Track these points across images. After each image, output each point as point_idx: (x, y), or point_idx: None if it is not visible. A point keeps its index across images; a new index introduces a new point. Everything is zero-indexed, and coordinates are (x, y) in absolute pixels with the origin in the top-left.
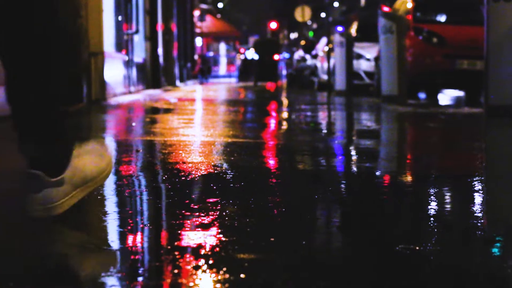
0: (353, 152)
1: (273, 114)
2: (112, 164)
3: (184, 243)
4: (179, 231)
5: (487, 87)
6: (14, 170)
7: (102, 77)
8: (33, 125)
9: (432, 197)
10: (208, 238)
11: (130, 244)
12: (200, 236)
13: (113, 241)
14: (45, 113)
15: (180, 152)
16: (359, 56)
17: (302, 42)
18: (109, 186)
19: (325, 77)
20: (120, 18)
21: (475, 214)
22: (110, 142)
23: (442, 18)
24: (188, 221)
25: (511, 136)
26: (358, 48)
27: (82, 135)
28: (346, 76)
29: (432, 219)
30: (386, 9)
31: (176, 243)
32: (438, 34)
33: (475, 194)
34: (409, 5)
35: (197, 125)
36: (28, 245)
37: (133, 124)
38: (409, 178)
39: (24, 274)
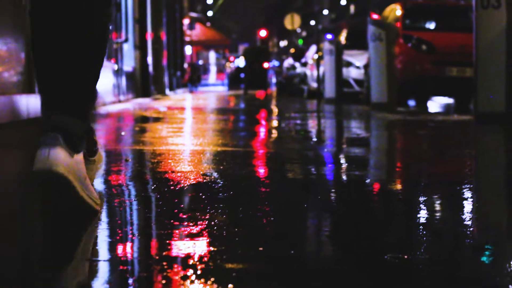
0: (342, 161)
1: (263, 122)
2: (103, 160)
3: (172, 253)
4: (167, 241)
5: (477, 94)
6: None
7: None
8: (76, 99)
9: (421, 205)
10: (197, 248)
11: (119, 254)
12: (188, 246)
13: (102, 250)
14: (91, 91)
15: (169, 161)
16: (349, 64)
17: (292, 50)
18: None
19: (314, 85)
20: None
21: (464, 222)
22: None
23: (431, 26)
24: (177, 231)
25: (500, 143)
26: (348, 55)
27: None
28: (335, 83)
29: (421, 227)
30: (375, 16)
31: (164, 253)
32: (427, 41)
33: (465, 201)
34: (398, 12)
35: (186, 134)
36: (16, 253)
37: (123, 133)
38: (398, 186)
39: (13, 279)
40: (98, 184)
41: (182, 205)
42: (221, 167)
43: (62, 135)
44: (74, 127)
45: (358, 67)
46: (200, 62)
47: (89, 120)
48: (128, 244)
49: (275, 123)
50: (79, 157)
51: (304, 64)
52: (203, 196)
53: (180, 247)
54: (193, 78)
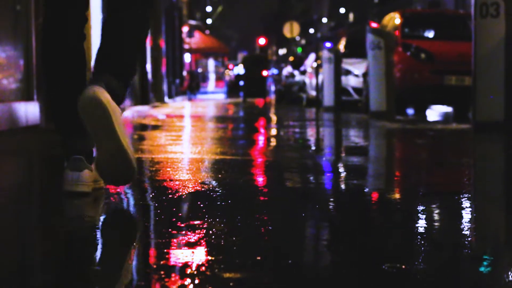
0: (341, 169)
1: (262, 130)
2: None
3: (170, 262)
4: (165, 250)
5: (475, 103)
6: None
7: None
8: (121, 71)
9: (420, 214)
10: (195, 257)
11: (117, 263)
12: (186, 255)
13: (99, 259)
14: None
15: (168, 169)
16: (348, 72)
17: (291, 58)
18: (96, 204)
19: (313, 93)
20: None
21: (463, 232)
22: None
23: (430, 34)
24: (175, 240)
25: (499, 152)
26: (347, 64)
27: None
28: (334, 92)
29: (419, 237)
30: (374, 25)
31: (162, 262)
32: (426, 50)
33: (463, 211)
34: (397, 21)
35: (185, 142)
36: (16, 263)
37: None
38: (397, 196)
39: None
40: (96, 192)
41: (180, 214)
42: (220, 176)
43: (106, 88)
44: (89, 146)
45: (357, 76)
46: (199, 70)
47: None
48: (126, 253)
49: (273, 131)
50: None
51: (303, 72)
52: (201, 205)
53: (178, 256)
54: (192, 86)
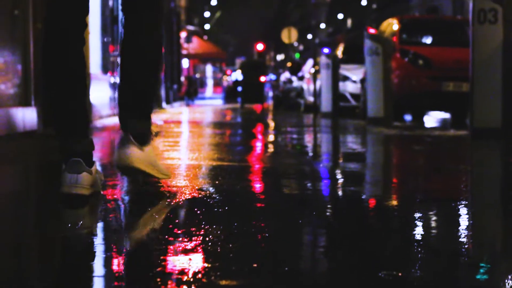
0: (338, 176)
1: (259, 136)
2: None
3: (167, 269)
4: (162, 257)
5: (473, 109)
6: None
7: (88, 99)
8: (143, 107)
9: (417, 221)
10: (191, 264)
11: (113, 270)
12: (183, 262)
13: (96, 266)
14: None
15: None
16: (345, 78)
17: (289, 64)
18: (93, 210)
19: (311, 99)
20: (106, 39)
21: (460, 239)
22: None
23: (428, 40)
24: (171, 247)
25: (496, 159)
26: (344, 70)
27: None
28: (332, 98)
29: (416, 244)
30: (372, 31)
31: (159, 269)
32: (424, 56)
33: (461, 218)
34: (395, 27)
35: (182, 148)
36: (12, 270)
37: None
38: (394, 202)
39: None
40: (94, 199)
41: (177, 220)
42: (217, 182)
43: (135, 138)
44: (142, 127)
45: (354, 81)
46: (197, 75)
47: (151, 119)
48: (123, 260)
49: (271, 137)
50: (148, 147)
51: (301, 78)
52: (198, 211)
53: (175, 263)
54: (189, 92)
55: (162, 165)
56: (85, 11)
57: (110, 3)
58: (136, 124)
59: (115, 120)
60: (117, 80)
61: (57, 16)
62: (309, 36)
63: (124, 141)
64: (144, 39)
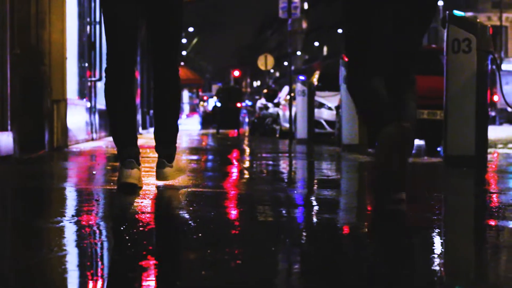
0: (314, 203)
1: (235, 162)
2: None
3: None
4: (135, 284)
5: (446, 137)
6: None
7: (65, 124)
8: (169, 137)
9: (390, 249)
10: None
11: None
12: None
13: None
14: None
15: (140, 201)
16: (321, 105)
17: (265, 90)
18: (69, 236)
19: (286, 125)
20: (83, 65)
21: (433, 267)
22: (70, 191)
23: None
24: (145, 273)
25: (469, 187)
26: (320, 97)
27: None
28: (307, 124)
29: (389, 272)
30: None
31: None
32: None
33: (433, 246)
34: None
35: None
36: None
37: (94, 172)
38: (367, 230)
39: None
40: (69, 224)
41: (151, 247)
42: (191, 208)
43: (165, 158)
44: (169, 151)
45: (330, 108)
46: None
47: (175, 143)
48: (96, 286)
49: (246, 163)
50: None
51: (277, 105)
52: (172, 238)
53: None
54: None
55: (181, 162)
56: (134, 62)
57: (88, 29)
58: (165, 150)
59: (91, 145)
60: (94, 104)
61: (115, 66)
62: (285, 63)
63: (160, 164)
64: (169, 96)
